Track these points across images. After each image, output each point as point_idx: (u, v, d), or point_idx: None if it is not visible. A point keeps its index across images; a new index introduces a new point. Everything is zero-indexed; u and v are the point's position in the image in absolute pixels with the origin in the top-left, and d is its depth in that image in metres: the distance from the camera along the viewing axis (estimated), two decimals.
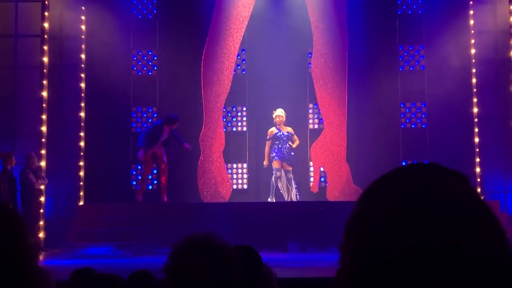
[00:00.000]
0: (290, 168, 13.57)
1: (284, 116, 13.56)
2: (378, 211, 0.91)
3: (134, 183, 14.36)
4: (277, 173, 13.39)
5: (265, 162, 13.59)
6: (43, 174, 13.00)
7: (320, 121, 14.69)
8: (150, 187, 14.59)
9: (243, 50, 14.78)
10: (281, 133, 13.50)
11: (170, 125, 13.15)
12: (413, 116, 14.80)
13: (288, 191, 13.40)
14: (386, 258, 0.87)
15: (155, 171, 14.21)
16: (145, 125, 14.36)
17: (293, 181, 13.53)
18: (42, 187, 12.99)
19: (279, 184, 13.38)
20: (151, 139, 13.03)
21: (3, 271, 1.31)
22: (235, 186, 14.55)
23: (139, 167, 13.96)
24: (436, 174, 0.94)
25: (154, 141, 13.06)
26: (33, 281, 1.37)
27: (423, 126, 14.75)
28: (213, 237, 2.03)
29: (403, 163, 14.45)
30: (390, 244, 0.87)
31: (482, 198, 0.93)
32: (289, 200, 13.30)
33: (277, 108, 13.65)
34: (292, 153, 13.56)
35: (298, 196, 13.51)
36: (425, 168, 0.96)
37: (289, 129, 13.63)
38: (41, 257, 12.10)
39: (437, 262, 0.85)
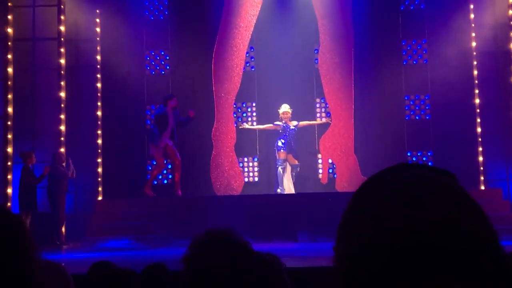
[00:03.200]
0: (297, 162, 13.85)
1: (290, 111, 13.82)
2: (368, 210, 0.91)
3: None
4: (283, 163, 13.65)
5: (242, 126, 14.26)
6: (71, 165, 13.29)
7: (327, 114, 14.97)
8: (165, 181, 15.01)
9: (251, 48, 15.09)
10: (288, 126, 13.77)
11: (170, 102, 13.34)
12: (417, 108, 15.06)
13: (288, 184, 13.67)
14: (377, 255, 0.86)
15: (169, 166, 14.60)
16: None
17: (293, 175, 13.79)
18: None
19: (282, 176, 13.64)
20: (161, 125, 13.23)
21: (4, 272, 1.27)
22: (246, 179, 14.88)
23: (154, 163, 14.29)
24: (425, 173, 0.94)
25: (164, 127, 13.25)
26: (37, 279, 1.35)
27: (427, 117, 15.01)
28: (232, 232, 2.05)
29: (408, 154, 14.86)
30: (380, 241, 0.87)
31: (470, 195, 0.92)
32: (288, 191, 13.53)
33: (282, 104, 13.90)
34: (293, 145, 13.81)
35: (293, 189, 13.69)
36: (414, 167, 0.96)
37: (295, 123, 13.85)
38: (64, 247, 12.58)
39: (427, 259, 0.84)
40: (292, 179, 13.81)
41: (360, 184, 0.97)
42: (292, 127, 13.80)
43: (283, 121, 13.82)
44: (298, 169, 13.90)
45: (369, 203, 0.91)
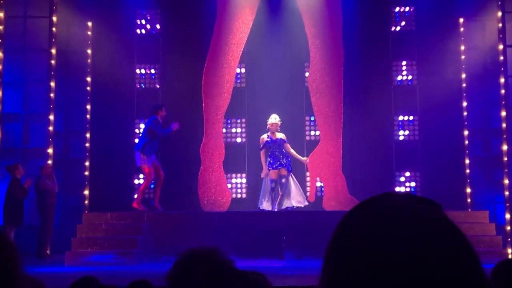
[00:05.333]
0: (286, 173, 13.34)
1: (279, 122, 13.41)
2: (352, 238, 0.91)
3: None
4: (273, 184, 13.27)
5: (263, 174, 13.47)
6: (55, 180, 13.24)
7: (317, 133, 15.03)
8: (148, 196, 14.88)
9: (242, 64, 15.14)
10: (272, 140, 13.34)
11: (161, 112, 13.13)
12: (405, 128, 15.11)
13: (280, 198, 13.29)
14: (361, 283, 0.87)
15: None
16: None
17: (284, 188, 13.33)
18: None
19: (272, 194, 13.27)
20: (153, 135, 12.94)
21: None
22: (234, 196, 14.83)
23: (143, 175, 14.02)
24: (409, 203, 0.94)
25: (154, 137, 12.98)
26: None
27: (416, 138, 15.06)
28: (217, 252, 2.04)
29: (396, 174, 14.88)
30: (363, 269, 0.87)
31: (452, 223, 0.93)
32: (275, 208, 13.18)
33: (271, 114, 13.53)
34: (289, 158, 13.43)
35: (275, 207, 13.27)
36: (399, 197, 0.96)
37: (282, 135, 13.45)
38: (49, 261, 12.46)
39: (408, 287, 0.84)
40: (280, 192, 13.38)
41: (347, 207, 0.98)
42: (276, 139, 13.37)
43: (269, 134, 13.42)
44: (287, 178, 13.38)
45: (353, 232, 0.92)
